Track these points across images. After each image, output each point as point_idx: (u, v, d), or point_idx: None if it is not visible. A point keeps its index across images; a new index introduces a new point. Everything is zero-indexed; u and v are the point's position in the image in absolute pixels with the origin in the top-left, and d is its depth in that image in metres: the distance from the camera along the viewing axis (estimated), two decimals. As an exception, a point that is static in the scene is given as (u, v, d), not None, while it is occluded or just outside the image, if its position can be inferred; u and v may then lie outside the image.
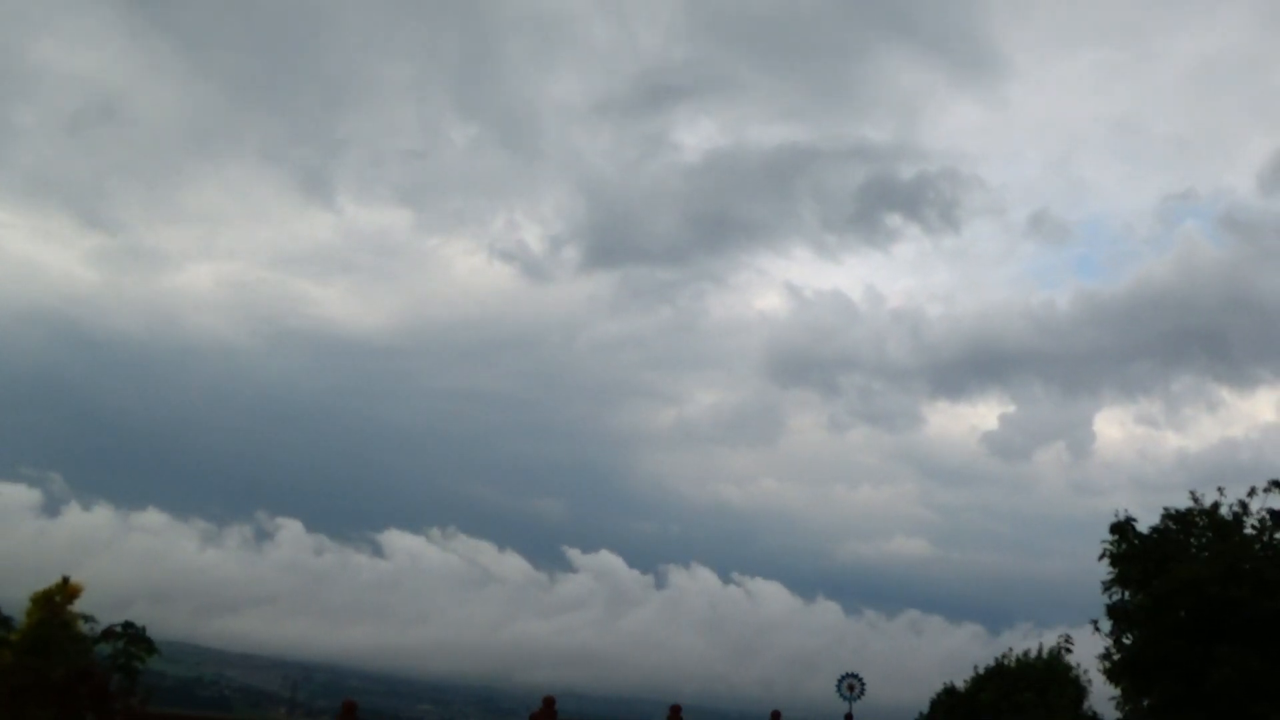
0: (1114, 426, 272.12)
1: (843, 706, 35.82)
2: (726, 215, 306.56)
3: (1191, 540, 26.49)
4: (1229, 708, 22.82)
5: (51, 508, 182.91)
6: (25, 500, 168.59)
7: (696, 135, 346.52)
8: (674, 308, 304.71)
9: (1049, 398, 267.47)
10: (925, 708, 39.68)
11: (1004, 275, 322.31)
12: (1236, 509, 26.02)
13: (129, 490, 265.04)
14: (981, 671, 36.22)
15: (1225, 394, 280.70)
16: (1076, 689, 33.29)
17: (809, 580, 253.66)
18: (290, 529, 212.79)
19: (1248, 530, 25.73)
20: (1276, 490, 25.53)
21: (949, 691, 38.01)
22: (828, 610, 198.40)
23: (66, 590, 31.81)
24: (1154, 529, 26.86)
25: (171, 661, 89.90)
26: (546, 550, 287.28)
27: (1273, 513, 25.48)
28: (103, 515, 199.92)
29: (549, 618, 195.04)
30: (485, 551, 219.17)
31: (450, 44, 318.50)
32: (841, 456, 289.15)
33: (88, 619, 32.54)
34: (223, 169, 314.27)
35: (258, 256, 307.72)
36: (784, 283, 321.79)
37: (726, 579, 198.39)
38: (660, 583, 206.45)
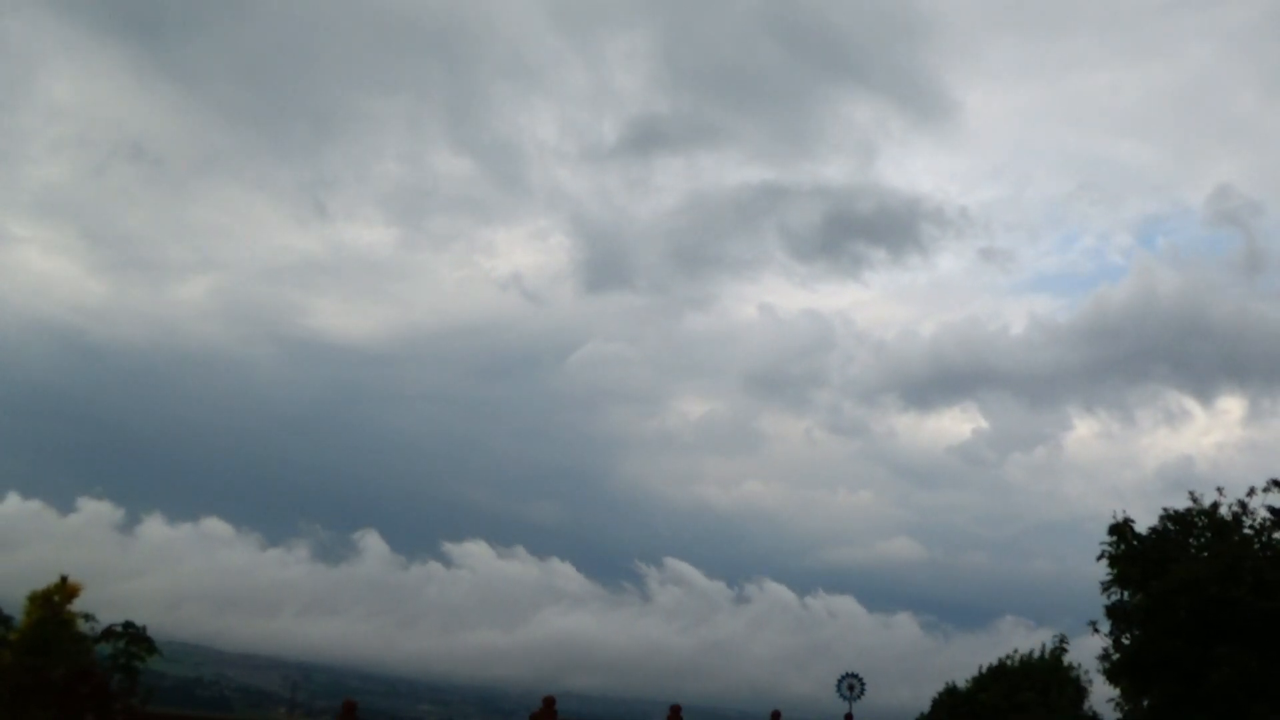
0: (1078, 437, 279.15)
1: (842, 706, 35.81)
2: (704, 248, 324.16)
3: (1191, 540, 26.51)
4: (1228, 708, 22.83)
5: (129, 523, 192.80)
6: (109, 516, 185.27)
7: (672, 175, 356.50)
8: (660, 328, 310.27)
9: (1019, 411, 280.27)
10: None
11: (965, 300, 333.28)
12: (1236, 509, 26.04)
13: (188, 503, 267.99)
14: (983, 671, 36.26)
15: (1188, 405, 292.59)
16: (1077, 689, 33.32)
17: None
18: (370, 541, 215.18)
19: (1247, 530, 25.74)
20: (1276, 490, 25.55)
21: (950, 691, 38.02)
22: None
23: (65, 590, 31.79)
24: (1153, 529, 26.89)
25: (171, 661, 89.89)
26: (614, 566, 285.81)
27: (1273, 512, 25.50)
28: (172, 529, 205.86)
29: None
30: (561, 571, 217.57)
31: (438, 82, 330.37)
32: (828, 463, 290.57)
33: (88, 618, 32.53)
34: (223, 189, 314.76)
35: (282, 272, 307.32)
36: (763, 305, 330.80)
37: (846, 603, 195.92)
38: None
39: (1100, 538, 27.11)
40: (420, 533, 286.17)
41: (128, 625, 34.12)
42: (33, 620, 30.26)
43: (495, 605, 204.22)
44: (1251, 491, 25.77)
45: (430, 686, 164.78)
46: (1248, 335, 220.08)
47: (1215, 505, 26.44)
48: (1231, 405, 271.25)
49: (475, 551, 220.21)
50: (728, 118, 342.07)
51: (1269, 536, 25.42)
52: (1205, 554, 25.61)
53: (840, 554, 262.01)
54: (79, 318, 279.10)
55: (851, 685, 35.79)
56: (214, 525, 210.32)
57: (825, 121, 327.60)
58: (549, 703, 32.51)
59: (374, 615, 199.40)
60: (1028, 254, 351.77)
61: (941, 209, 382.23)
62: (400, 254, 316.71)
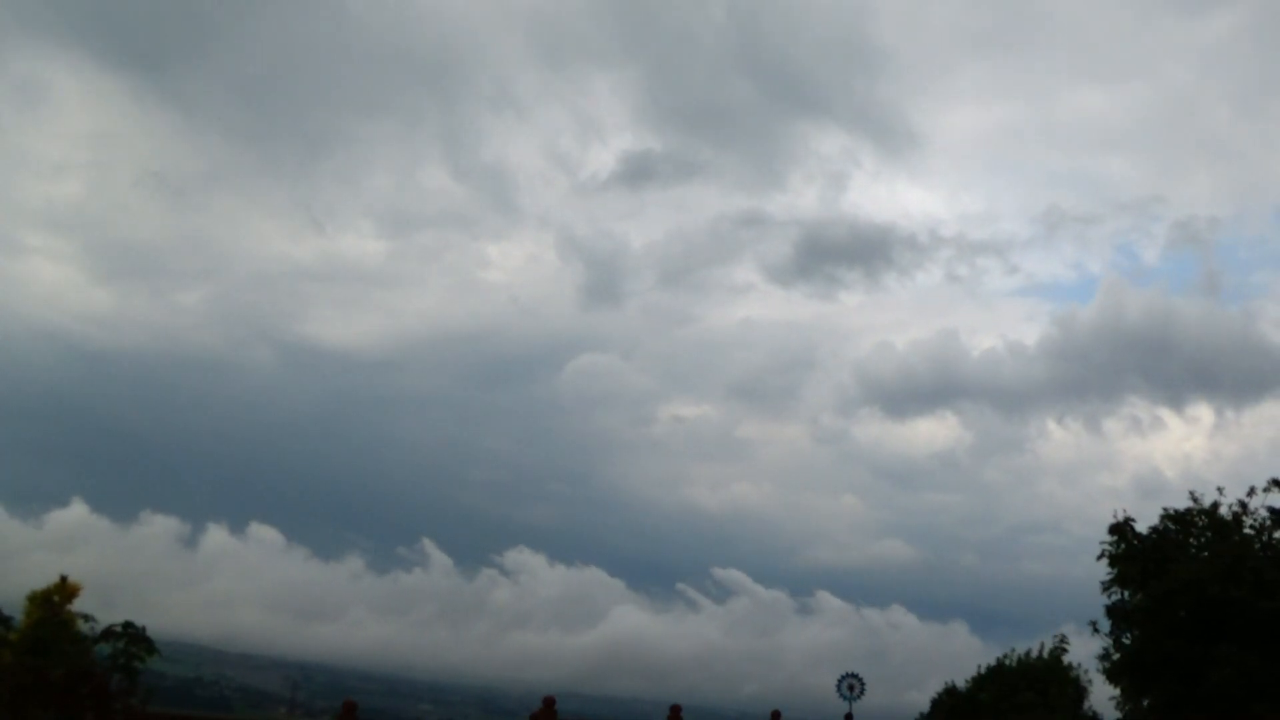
0: (1052, 443, 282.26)
1: (842, 706, 35.79)
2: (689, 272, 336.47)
3: (1191, 540, 26.50)
4: (1228, 708, 22.82)
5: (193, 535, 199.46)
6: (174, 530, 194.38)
7: (655, 202, 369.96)
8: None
9: (995, 419, 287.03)
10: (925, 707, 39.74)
11: (938, 316, 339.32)
12: (1236, 509, 26.02)
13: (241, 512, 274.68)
14: (982, 671, 36.24)
15: (1161, 414, 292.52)
16: (1077, 689, 33.30)
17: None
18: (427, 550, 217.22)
19: (1247, 530, 25.73)
20: (1276, 490, 25.54)
21: (950, 691, 38.00)
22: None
23: (65, 590, 31.80)
24: (1153, 529, 26.87)
25: (171, 661, 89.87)
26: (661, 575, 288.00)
27: (1273, 512, 25.48)
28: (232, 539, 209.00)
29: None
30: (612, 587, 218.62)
31: (428, 108, 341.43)
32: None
33: (87, 619, 32.54)
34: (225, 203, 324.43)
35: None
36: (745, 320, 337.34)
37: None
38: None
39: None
40: (474, 542, 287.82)
41: (127, 625, 34.17)
42: (33, 621, 30.30)
43: (551, 611, 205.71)
44: (1252, 491, 25.76)
45: (430, 686, 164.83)
46: (1214, 349, 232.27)
47: (1215, 505, 26.41)
48: (1202, 413, 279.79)
49: (526, 560, 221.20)
50: (706, 150, 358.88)
51: (1269, 536, 25.41)
52: (1205, 554, 25.59)
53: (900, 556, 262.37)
54: (90, 328, 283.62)
55: (851, 685, 35.76)
56: (267, 534, 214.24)
57: (796, 153, 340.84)
58: (549, 703, 32.48)
59: (431, 621, 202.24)
60: (999, 272, 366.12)
61: (913, 234, 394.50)
62: (417, 265, 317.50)
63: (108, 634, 33.85)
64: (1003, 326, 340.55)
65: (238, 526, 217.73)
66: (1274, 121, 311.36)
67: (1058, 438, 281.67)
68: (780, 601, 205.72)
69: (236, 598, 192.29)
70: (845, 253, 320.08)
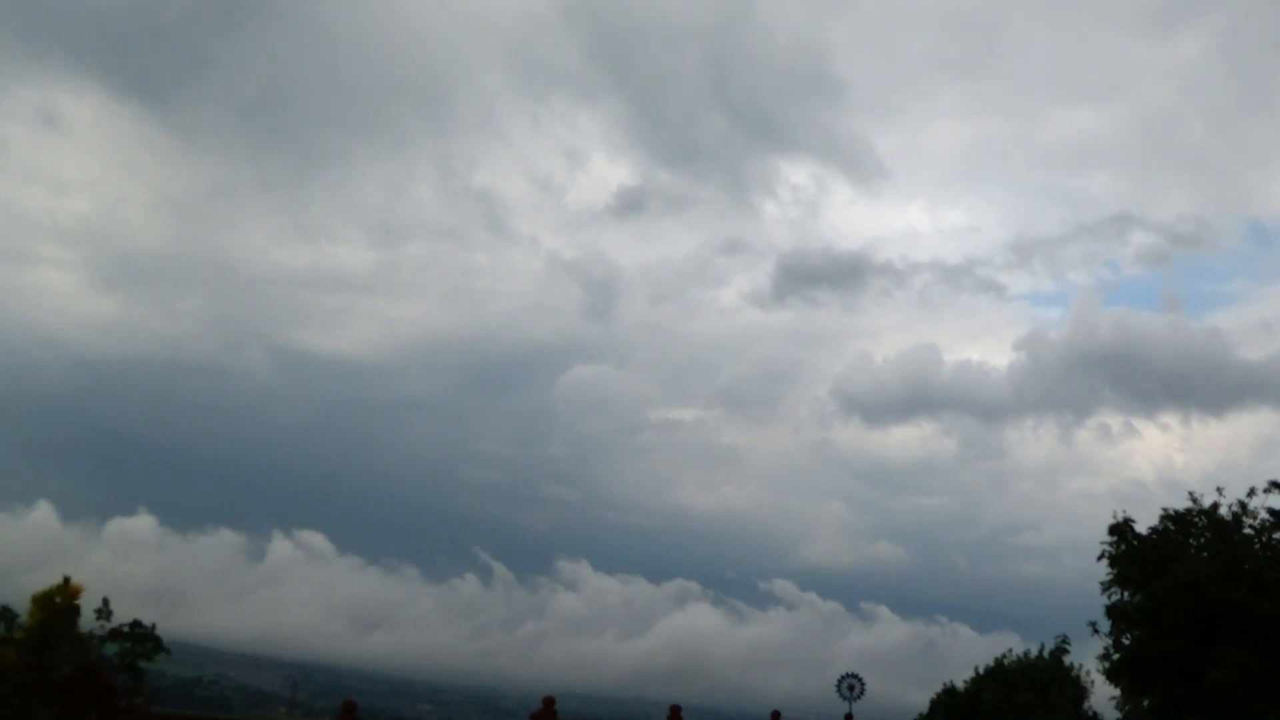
0: (1027, 450, 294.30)
1: (842, 706, 35.83)
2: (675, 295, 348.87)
3: (1190, 541, 26.56)
4: (1228, 708, 22.89)
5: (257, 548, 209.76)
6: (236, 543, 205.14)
7: (638, 231, 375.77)
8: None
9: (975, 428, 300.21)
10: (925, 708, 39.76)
11: (906, 335, 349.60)
12: (1236, 509, 26.08)
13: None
14: (981, 671, 36.28)
15: (1133, 423, 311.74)
16: (1077, 689, 33.36)
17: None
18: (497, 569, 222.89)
19: (1247, 530, 25.79)
20: (1276, 491, 25.60)
21: (949, 692, 38.04)
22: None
23: (67, 590, 31.88)
24: (1153, 530, 26.94)
25: (171, 661, 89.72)
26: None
27: (1273, 512, 25.55)
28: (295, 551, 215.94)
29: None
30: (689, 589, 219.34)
31: (419, 130, 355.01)
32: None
33: (100, 614, 32.62)
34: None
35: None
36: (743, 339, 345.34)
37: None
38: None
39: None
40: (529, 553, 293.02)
41: (134, 625, 34.24)
42: (37, 620, 30.38)
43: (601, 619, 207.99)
44: (1252, 492, 25.81)
45: (430, 686, 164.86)
46: (1185, 362, 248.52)
47: (1215, 505, 26.47)
48: (1171, 422, 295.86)
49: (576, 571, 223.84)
50: (684, 181, 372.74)
51: (1269, 537, 25.46)
52: (1205, 554, 25.65)
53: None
54: (94, 335, 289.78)
55: (851, 685, 35.79)
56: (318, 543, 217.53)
57: (770, 184, 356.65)
58: (549, 703, 32.53)
59: (483, 630, 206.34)
60: (975, 290, 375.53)
61: (889, 261, 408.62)
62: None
63: (115, 633, 33.93)
64: (979, 341, 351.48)
65: (285, 534, 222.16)
66: (1246, 138, 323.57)
67: (1034, 445, 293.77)
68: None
69: (296, 606, 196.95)
70: (822, 278, 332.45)
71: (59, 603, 31.49)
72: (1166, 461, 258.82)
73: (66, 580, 32.03)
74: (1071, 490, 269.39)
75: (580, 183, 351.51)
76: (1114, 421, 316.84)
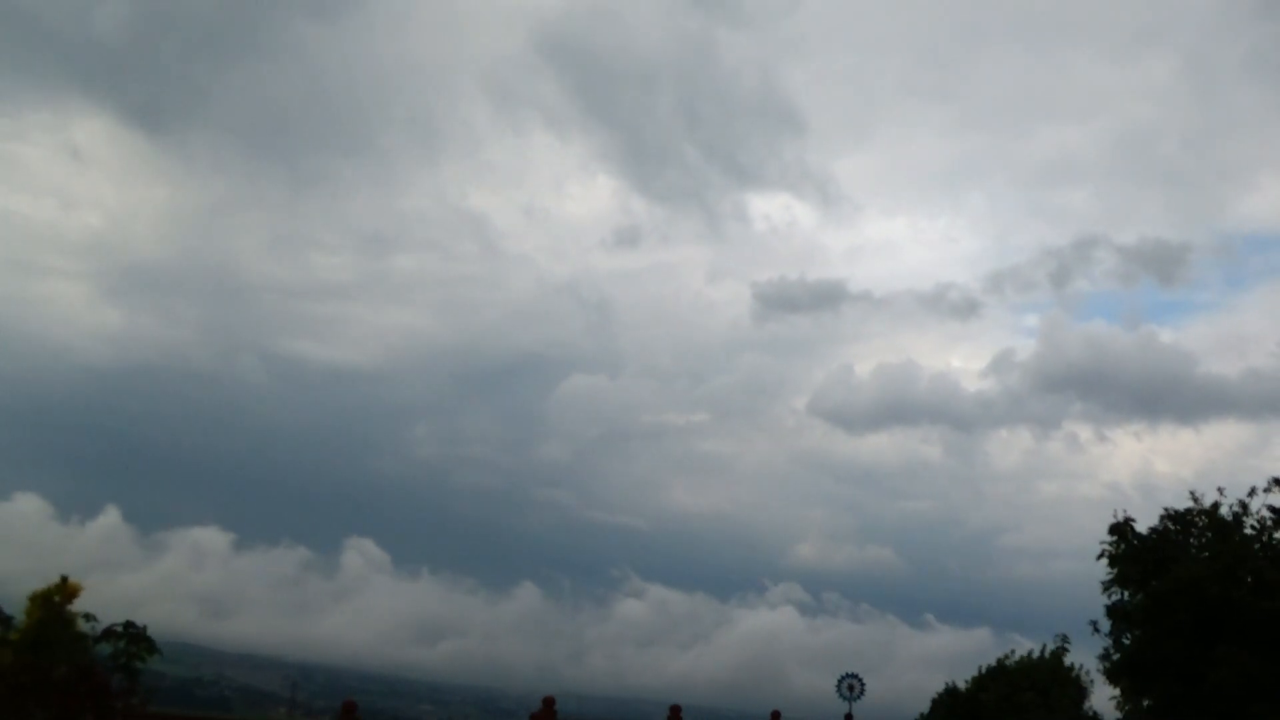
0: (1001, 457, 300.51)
1: (842, 706, 35.80)
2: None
3: (1191, 541, 26.48)
4: (1228, 708, 22.80)
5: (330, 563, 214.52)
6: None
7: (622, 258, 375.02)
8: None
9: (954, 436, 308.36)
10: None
11: (894, 348, 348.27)
12: (1236, 509, 25.99)
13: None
14: (983, 671, 36.26)
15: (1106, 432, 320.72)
16: (1077, 689, 33.31)
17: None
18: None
19: (1247, 530, 25.71)
20: (1277, 489, 25.52)
21: (950, 692, 38.01)
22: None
23: (66, 590, 31.85)
24: (1153, 529, 26.85)
25: (171, 661, 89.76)
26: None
27: (1273, 511, 25.46)
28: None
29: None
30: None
31: (407, 157, 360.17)
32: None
33: (88, 618, 32.58)
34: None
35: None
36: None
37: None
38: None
39: None
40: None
41: (128, 625, 34.20)
42: (33, 620, 30.33)
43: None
44: (1252, 491, 25.68)
45: (430, 686, 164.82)
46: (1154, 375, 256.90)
47: (1216, 505, 26.37)
48: (1140, 431, 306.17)
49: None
50: (661, 211, 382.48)
51: (1269, 536, 25.36)
52: (1205, 554, 25.57)
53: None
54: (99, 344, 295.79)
55: (851, 685, 35.76)
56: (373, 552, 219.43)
57: (746, 214, 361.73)
58: (548, 703, 32.52)
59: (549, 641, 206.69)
60: (950, 307, 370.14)
61: (868, 290, 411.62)
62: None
63: (108, 633, 33.89)
64: (958, 355, 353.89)
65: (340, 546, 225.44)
66: (1217, 157, 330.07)
67: (1008, 451, 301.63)
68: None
69: (369, 620, 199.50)
70: (800, 305, 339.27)
71: (57, 601, 31.47)
72: (1144, 466, 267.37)
73: (64, 580, 32.01)
74: (1047, 494, 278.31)
75: (566, 205, 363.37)
76: (1084, 430, 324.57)
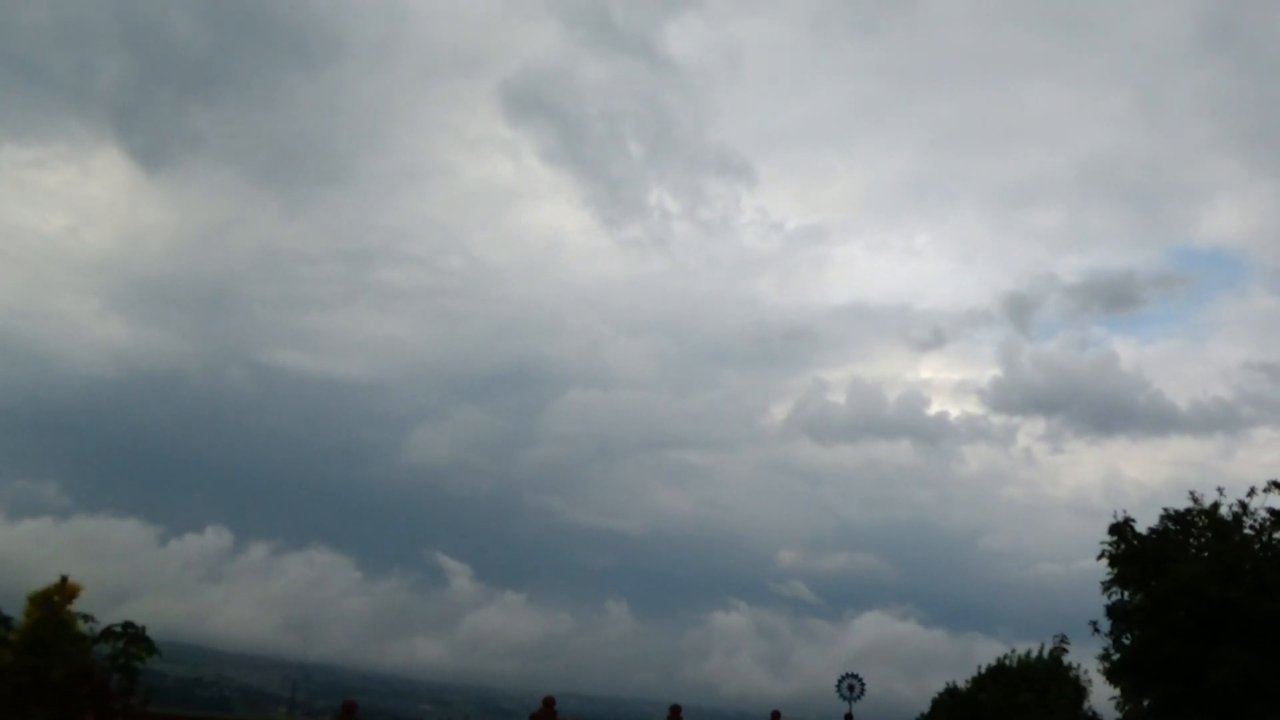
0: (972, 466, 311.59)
1: (842, 706, 35.78)
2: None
3: (1191, 541, 26.47)
4: (1228, 708, 22.80)
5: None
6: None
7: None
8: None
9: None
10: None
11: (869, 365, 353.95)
12: (1236, 509, 25.99)
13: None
14: (983, 671, 36.26)
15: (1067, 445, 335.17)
16: (1077, 689, 33.32)
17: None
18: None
19: (1247, 530, 25.70)
20: (1276, 490, 25.52)
21: (950, 692, 38.01)
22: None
23: (65, 590, 31.79)
24: (1153, 529, 26.85)
25: (171, 661, 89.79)
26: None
27: (1273, 512, 25.46)
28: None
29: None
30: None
31: (388, 182, 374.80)
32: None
33: (87, 619, 32.54)
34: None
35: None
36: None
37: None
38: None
39: None
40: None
41: (127, 625, 34.15)
42: (32, 620, 30.27)
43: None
44: (1252, 492, 25.71)
45: (430, 686, 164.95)
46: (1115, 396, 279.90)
47: (1215, 505, 26.37)
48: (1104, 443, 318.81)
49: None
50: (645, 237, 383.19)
51: (1269, 537, 25.37)
52: (1205, 554, 25.57)
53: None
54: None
55: (851, 685, 35.73)
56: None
57: None
58: (549, 703, 32.48)
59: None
60: (921, 328, 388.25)
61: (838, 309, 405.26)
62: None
63: (107, 634, 33.85)
64: (930, 373, 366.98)
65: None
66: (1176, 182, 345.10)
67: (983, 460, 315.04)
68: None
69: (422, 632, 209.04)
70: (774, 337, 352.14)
71: (56, 601, 31.42)
72: (1111, 475, 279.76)
73: (64, 580, 31.96)
74: (1010, 497, 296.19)
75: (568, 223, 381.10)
76: (1043, 446, 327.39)
